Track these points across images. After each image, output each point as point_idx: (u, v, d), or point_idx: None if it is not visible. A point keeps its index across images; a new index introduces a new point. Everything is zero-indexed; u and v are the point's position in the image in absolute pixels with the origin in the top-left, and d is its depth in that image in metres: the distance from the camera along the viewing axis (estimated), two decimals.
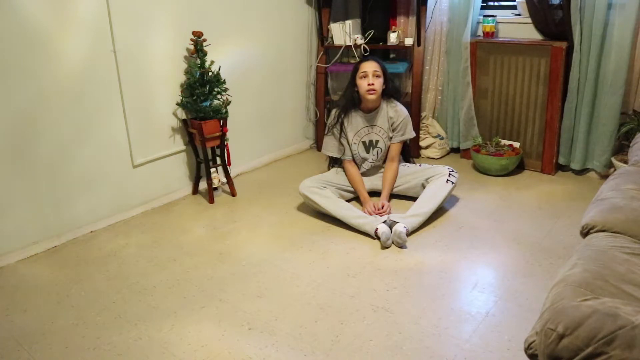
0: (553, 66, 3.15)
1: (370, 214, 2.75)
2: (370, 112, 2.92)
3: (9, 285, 2.31)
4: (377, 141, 2.95)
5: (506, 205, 2.94)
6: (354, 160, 2.99)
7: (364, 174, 3.01)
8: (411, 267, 2.34)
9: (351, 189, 2.96)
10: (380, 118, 2.92)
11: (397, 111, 2.92)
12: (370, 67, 2.80)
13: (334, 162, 3.11)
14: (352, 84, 2.88)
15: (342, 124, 2.92)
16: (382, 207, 2.79)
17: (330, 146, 2.98)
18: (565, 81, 3.18)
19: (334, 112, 2.98)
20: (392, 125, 2.93)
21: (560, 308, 1.17)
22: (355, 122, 2.93)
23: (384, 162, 3.00)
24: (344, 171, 2.99)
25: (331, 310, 2.05)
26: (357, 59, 3.20)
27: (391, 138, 2.95)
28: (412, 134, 2.98)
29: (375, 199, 2.92)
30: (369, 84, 2.79)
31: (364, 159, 2.99)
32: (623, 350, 1.04)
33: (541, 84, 3.23)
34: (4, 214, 2.44)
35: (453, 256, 2.42)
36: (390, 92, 2.92)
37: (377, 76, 2.80)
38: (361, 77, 2.82)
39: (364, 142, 2.95)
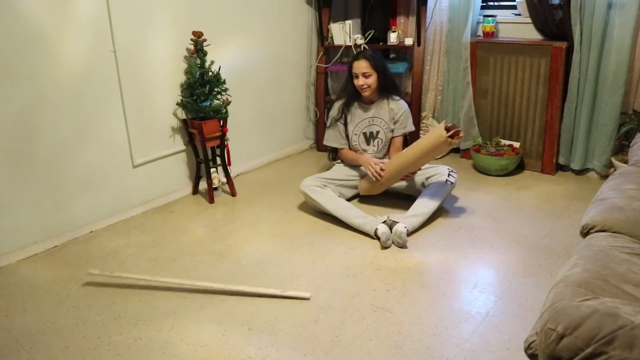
0: (553, 66, 3.15)
1: (373, 167, 2.76)
2: (372, 103, 2.97)
3: (9, 285, 2.31)
4: (377, 132, 2.97)
5: (506, 205, 2.94)
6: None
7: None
8: (411, 267, 2.34)
9: (352, 183, 2.97)
10: (382, 109, 2.96)
11: (398, 105, 2.98)
12: (359, 68, 2.84)
13: (336, 155, 3.13)
14: (350, 77, 2.93)
15: (345, 116, 2.97)
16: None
17: (332, 137, 3.02)
18: (565, 81, 3.18)
19: (336, 104, 3.02)
20: (393, 118, 2.96)
21: (560, 308, 1.17)
22: (356, 114, 2.98)
23: (384, 155, 3.02)
24: (341, 159, 3.01)
25: (331, 310, 2.05)
26: None
27: (392, 130, 2.98)
28: (413, 128, 3.04)
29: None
30: (359, 85, 2.86)
31: (364, 151, 3.01)
32: (623, 350, 1.04)
33: (541, 84, 3.23)
34: (4, 214, 2.44)
35: (453, 256, 2.42)
36: (388, 87, 2.94)
37: (368, 76, 2.84)
38: (354, 76, 2.88)
39: (364, 134, 2.98)
